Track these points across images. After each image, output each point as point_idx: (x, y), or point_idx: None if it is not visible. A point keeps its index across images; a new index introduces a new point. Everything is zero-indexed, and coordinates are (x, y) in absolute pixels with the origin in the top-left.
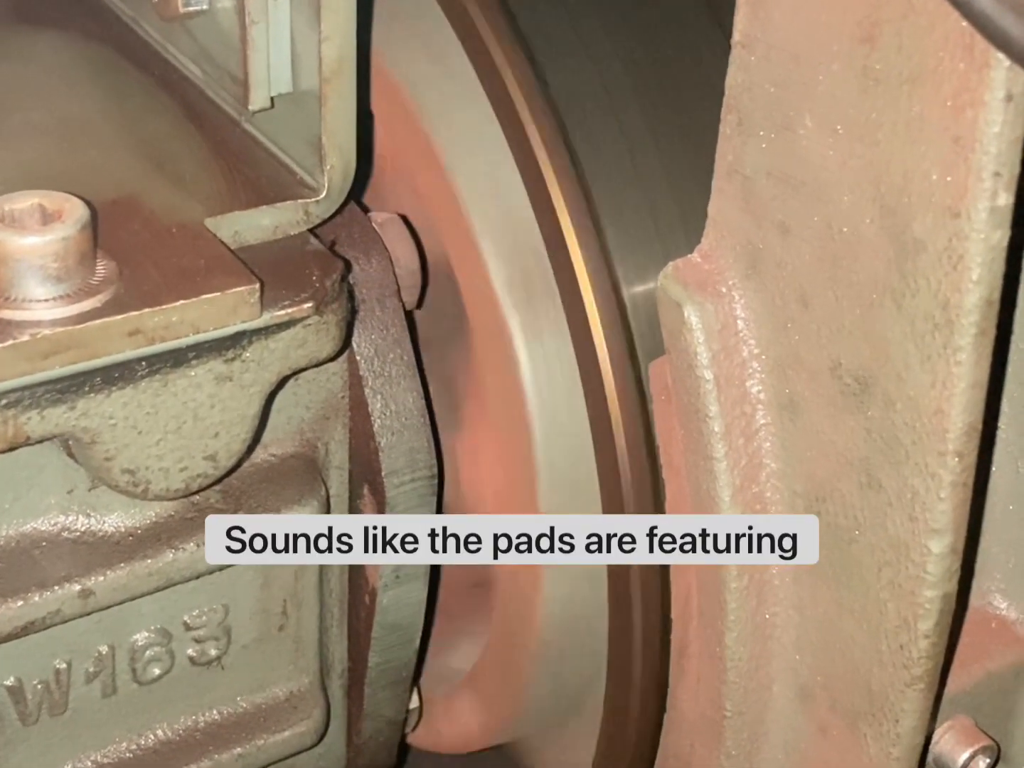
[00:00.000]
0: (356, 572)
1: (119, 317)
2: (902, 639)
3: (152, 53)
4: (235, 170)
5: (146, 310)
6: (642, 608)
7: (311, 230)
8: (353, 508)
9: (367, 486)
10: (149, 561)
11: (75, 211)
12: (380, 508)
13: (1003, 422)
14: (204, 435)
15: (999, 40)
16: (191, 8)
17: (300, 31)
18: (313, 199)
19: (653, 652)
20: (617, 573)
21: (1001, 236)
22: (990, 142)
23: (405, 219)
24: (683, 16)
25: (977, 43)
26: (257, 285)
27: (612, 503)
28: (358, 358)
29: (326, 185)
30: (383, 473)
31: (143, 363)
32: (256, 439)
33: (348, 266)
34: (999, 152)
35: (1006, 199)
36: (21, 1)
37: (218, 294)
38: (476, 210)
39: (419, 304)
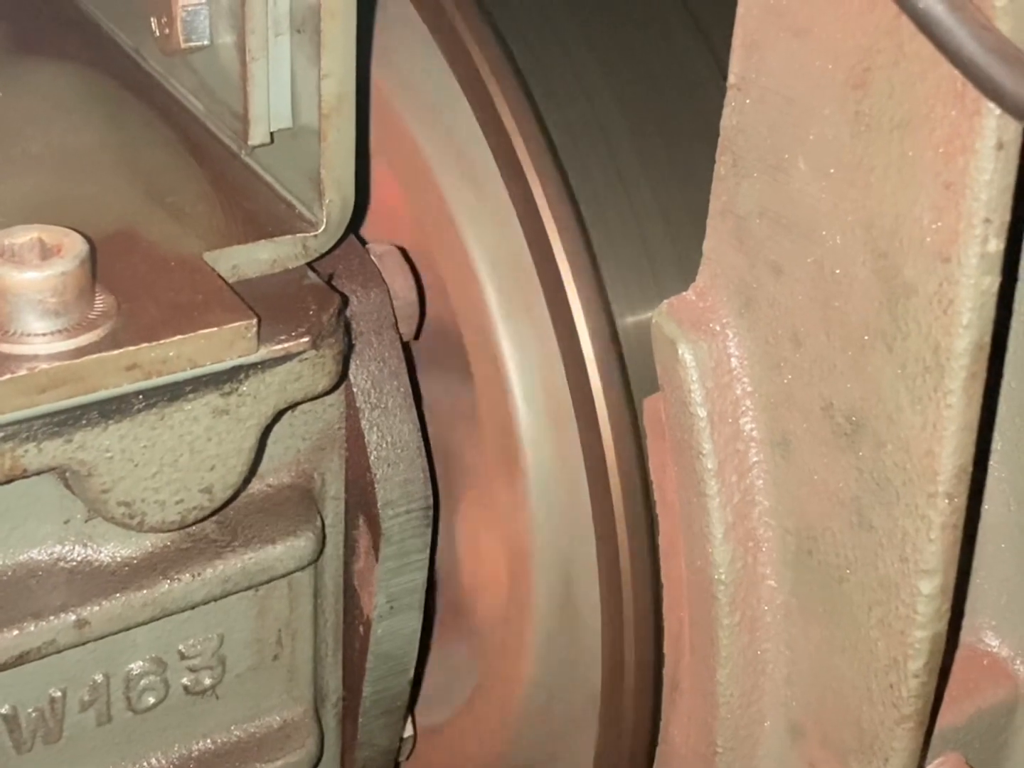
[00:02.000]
0: (351, 602)
1: (116, 352)
2: (892, 678)
3: (153, 84)
4: (234, 203)
5: (143, 345)
6: (635, 643)
7: (309, 264)
8: (348, 538)
9: (363, 517)
10: (145, 591)
11: (74, 246)
12: (375, 539)
13: (995, 460)
14: (200, 468)
15: (990, 89)
16: (192, 43)
17: (300, 68)
18: (312, 233)
19: (646, 687)
20: (610, 609)
21: (991, 282)
22: (981, 189)
23: (403, 250)
24: (680, 54)
25: (968, 91)
26: (254, 320)
27: (607, 543)
28: (355, 390)
29: (324, 220)
30: (379, 504)
31: (140, 397)
32: (252, 471)
33: (345, 300)
34: (989, 199)
35: (996, 245)
36: (22, 31)
37: (215, 329)
38: (474, 244)
39: (416, 335)
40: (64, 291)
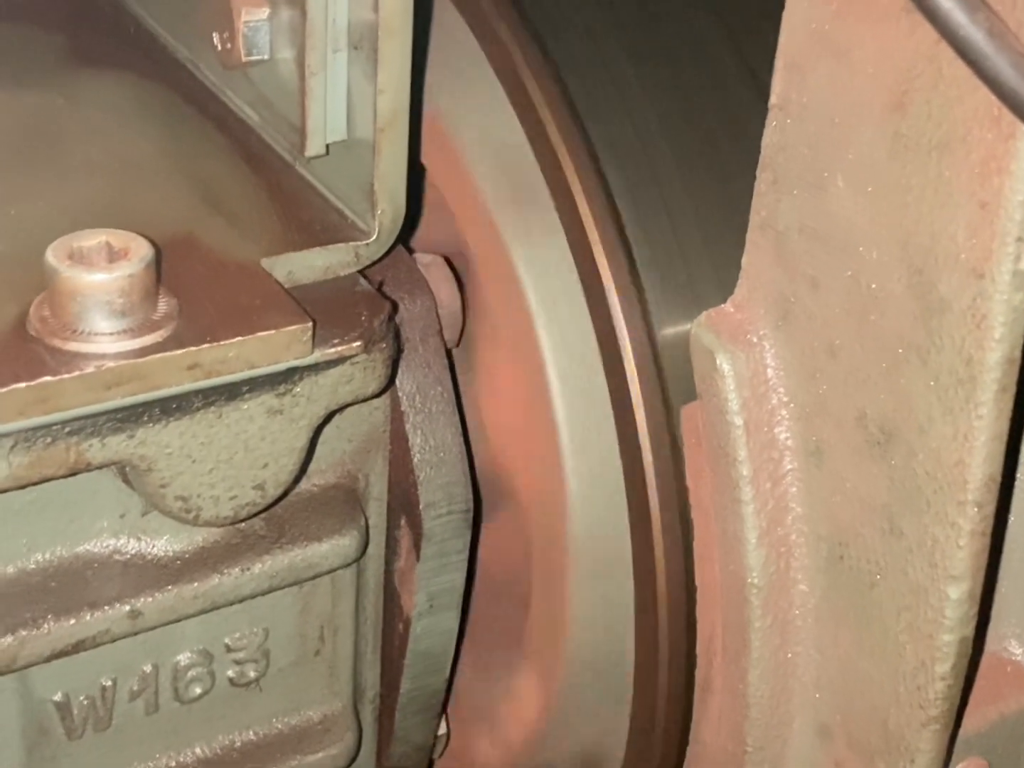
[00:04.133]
0: (391, 600)
1: (179, 352)
2: (919, 680)
3: (209, 95)
4: (289, 212)
5: (204, 346)
6: (668, 645)
7: (360, 271)
8: (391, 538)
9: (405, 517)
10: (196, 584)
11: (140, 249)
12: (416, 539)
13: (1021, 472)
14: (254, 465)
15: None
16: (253, 58)
17: (356, 83)
18: (364, 242)
19: (678, 688)
20: (643, 610)
21: (1023, 298)
22: (1015, 209)
23: (448, 260)
24: (722, 76)
25: (1004, 115)
26: (310, 324)
27: (643, 547)
28: (400, 394)
29: (376, 229)
30: (421, 506)
31: (199, 395)
32: (303, 470)
33: (395, 307)
34: (1023, 219)
35: None
36: (81, 42)
37: (273, 332)
38: (517, 251)
39: (458, 342)
40: (130, 292)
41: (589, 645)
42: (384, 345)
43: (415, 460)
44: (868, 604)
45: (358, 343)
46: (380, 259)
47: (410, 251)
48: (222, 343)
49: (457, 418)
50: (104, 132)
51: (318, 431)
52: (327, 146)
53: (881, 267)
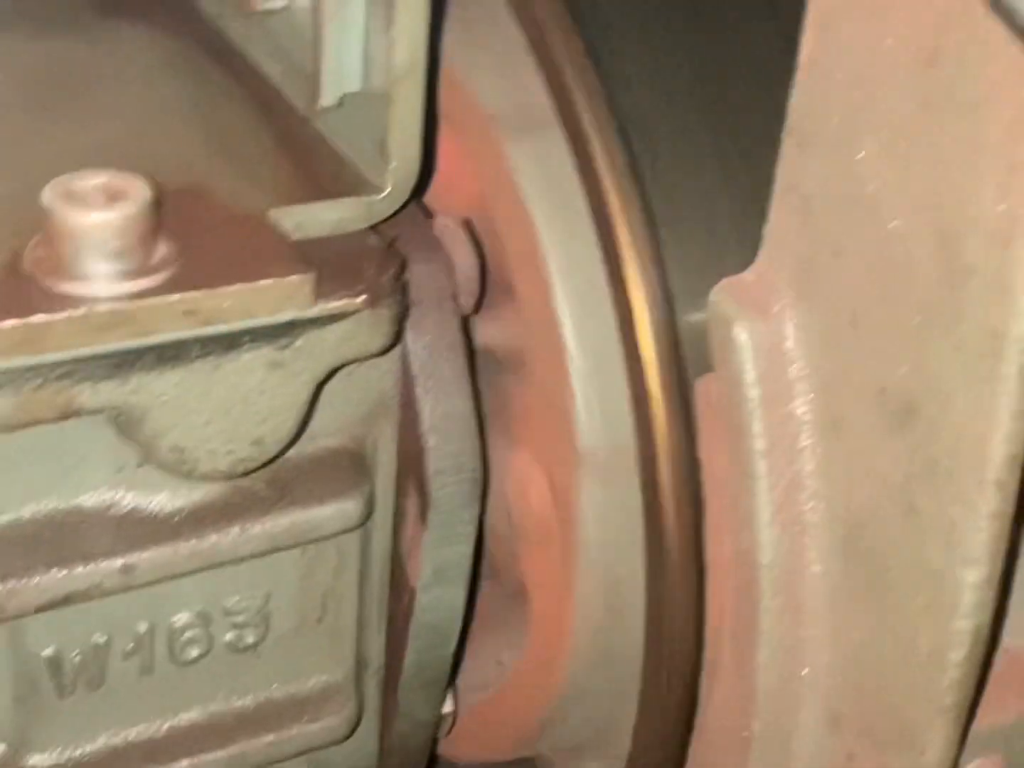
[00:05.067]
0: (398, 570)
1: (175, 296)
2: (933, 668)
3: (232, 51)
4: (301, 164)
5: (201, 292)
6: (678, 623)
7: (373, 227)
8: (399, 505)
9: (413, 485)
10: (193, 541)
11: (139, 191)
12: (424, 507)
13: None
14: (252, 420)
15: None
16: (269, 4)
17: (373, 32)
18: (376, 197)
19: (686, 669)
20: (654, 587)
21: None
22: None
23: (469, 224)
24: (758, 42)
25: None
26: (312, 275)
27: (654, 522)
28: (411, 358)
29: (389, 184)
30: (428, 473)
31: (197, 344)
32: (302, 428)
33: (404, 264)
34: None
35: None
36: None
37: (273, 281)
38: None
39: (476, 309)
40: (126, 234)
41: (596, 625)
42: (390, 301)
43: (423, 426)
44: (883, 587)
45: (362, 298)
46: (393, 215)
47: (428, 214)
48: (220, 290)
49: (469, 386)
50: (124, 81)
51: (320, 388)
52: (342, 98)
53: (907, 232)
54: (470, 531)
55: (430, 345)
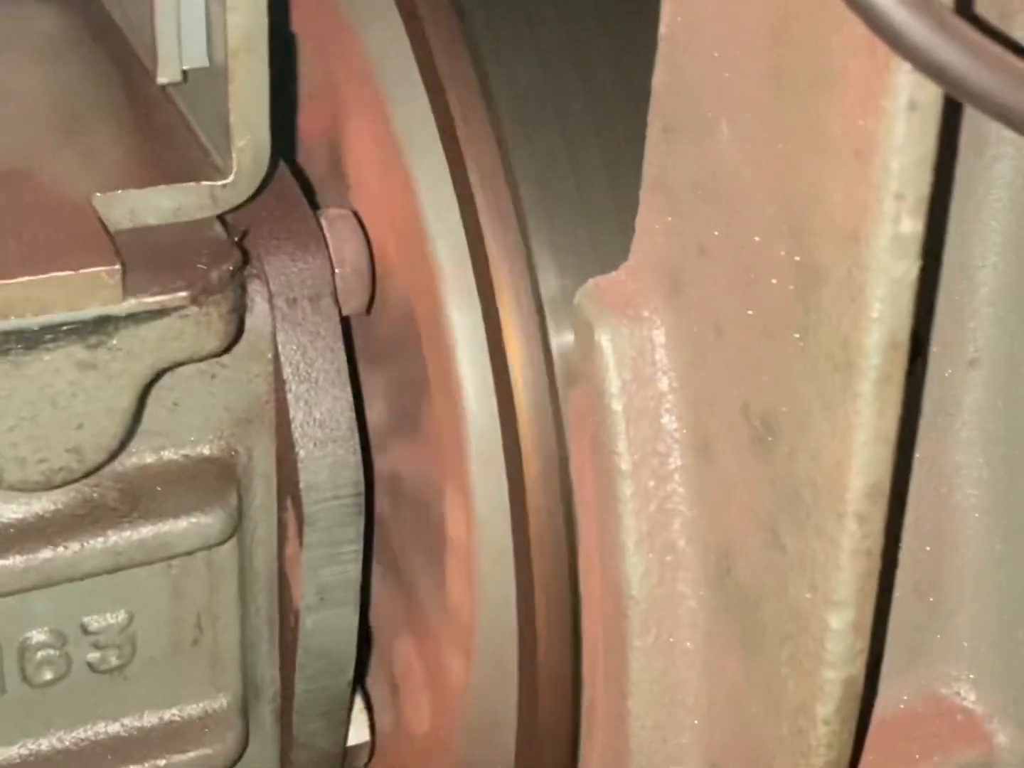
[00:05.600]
0: (284, 590)
1: None
2: (801, 722)
3: (115, 27)
4: (151, 147)
5: None
6: (550, 663)
7: (222, 216)
8: (281, 520)
9: (290, 499)
10: (27, 556)
11: None
12: (300, 524)
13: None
14: (65, 426)
15: (893, 38)
16: None
17: (213, 1)
18: (220, 182)
19: (562, 712)
20: (525, 622)
21: (906, 268)
22: (890, 157)
23: (357, 216)
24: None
25: (880, 44)
26: (118, 266)
27: (521, 548)
28: (283, 360)
29: (234, 168)
30: (302, 486)
31: None
32: (129, 435)
33: (246, 257)
34: (901, 169)
35: (911, 226)
36: None
37: (71, 273)
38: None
39: (368, 310)
40: None
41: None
42: (221, 298)
43: (296, 435)
44: (753, 627)
45: (183, 293)
46: (245, 203)
47: (316, 205)
48: (7, 282)
49: (349, 391)
50: None
51: (146, 391)
52: (187, 75)
53: (763, 229)
54: (355, 550)
55: (303, 346)
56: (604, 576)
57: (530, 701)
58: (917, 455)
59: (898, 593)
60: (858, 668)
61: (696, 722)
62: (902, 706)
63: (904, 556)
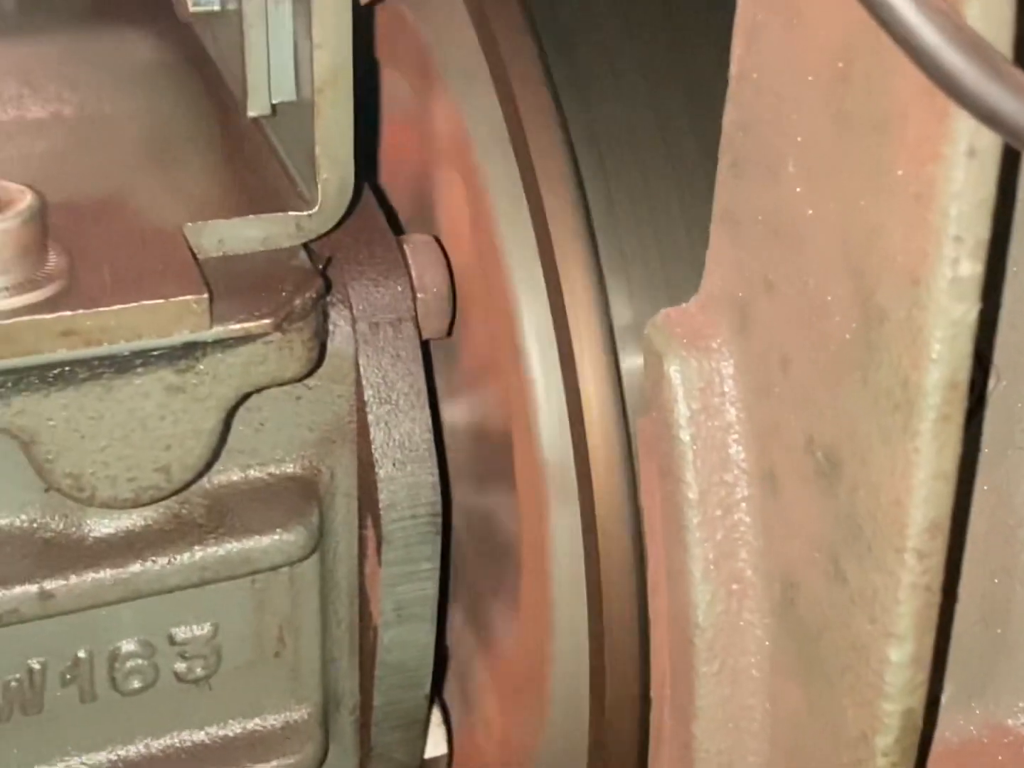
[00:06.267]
0: (364, 606)
1: (51, 316)
2: (860, 753)
3: (208, 57)
4: (241, 178)
5: (80, 311)
6: (622, 684)
7: (307, 245)
8: (361, 537)
9: (370, 517)
10: (116, 571)
11: (21, 203)
12: (379, 542)
13: None
14: (154, 446)
15: (952, 88)
16: (201, 8)
17: (300, 38)
18: (305, 213)
19: (630, 735)
20: (595, 641)
21: (965, 311)
22: (949, 202)
23: (439, 241)
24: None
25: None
26: (205, 295)
27: (593, 570)
28: (364, 382)
29: (320, 199)
30: (381, 506)
31: (84, 365)
32: (215, 455)
33: (328, 285)
34: (960, 214)
35: (971, 268)
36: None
37: (161, 301)
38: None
39: (449, 332)
40: (3, 248)
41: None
42: (303, 325)
43: (376, 455)
44: (815, 657)
45: (267, 320)
46: (330, 231)
47: (399, 231)
48: (101, 310)
49: (427, 413)
50: (87, 89)
51: (231, 414)
52: (277, 108)
53: (826, 267)
54: (431, 568)
55: (385, 370)
56: (671, 603)
57: (599, 722)
58: (985, 487)
59: (965, 624)
60: (917, 700)
61: (760, 748)
62: (968, 737)
63: (972, 588)
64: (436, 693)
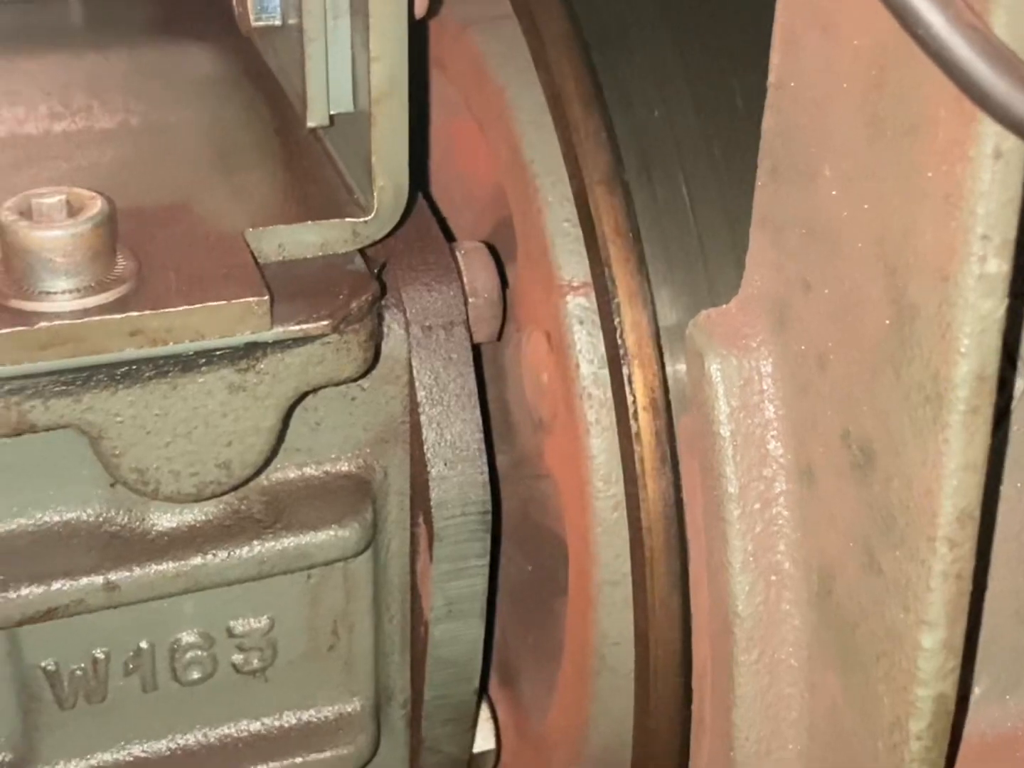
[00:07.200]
0: (415, 601)
1: (119, 316)
2: (895, 738)
3: (267, 69)
4: (298, 185)
5: (147, 312)
6: (664, 674)
7: (363, 250)
8: (413, 535)
9: (421, 514)
10: (178, 563)
11: (92, 208)
12: (430, 539)
13: None
14: (216, 442)
15: (977, 94)
16: (263, 22)
17: (358, 51)
18: (362, 219)
19: (672, 723)
20: (640, 637)
21: (993, 306)
22: (977, 201)
23: (491, 247)
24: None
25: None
26: (266, 297)
27: (639, 566)
28: (417, 384)
29: (375, 206)
30: (432, 504)
31: (150, 364)
32: (274, 451)
33: (383, 289)
34: (987, 213)
35: (997, 266)
36: (173, 14)
37: (223, 303)
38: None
39: (499, 336)
40: (75, 252)
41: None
42: (359, 327)
43: (428, 455)
44: (851, 646)
45: (325, 322)
46: (385, 238)
47: (451, 237)
48: (167, 311)
49: (478, 414)
50: (153, 101)
51: (290, 412)
52: (335, 118)
53: (861, 267)
54: (481, 565)
55: (437, 371)
56: (712, 594)
57: (644, 712)
58: (1019, 484)
59: (1000, 618)
60: (949, 686)
61: (798, 736)
62: (1003, 729)
63: (1006, 583)
64: (483, 689)
